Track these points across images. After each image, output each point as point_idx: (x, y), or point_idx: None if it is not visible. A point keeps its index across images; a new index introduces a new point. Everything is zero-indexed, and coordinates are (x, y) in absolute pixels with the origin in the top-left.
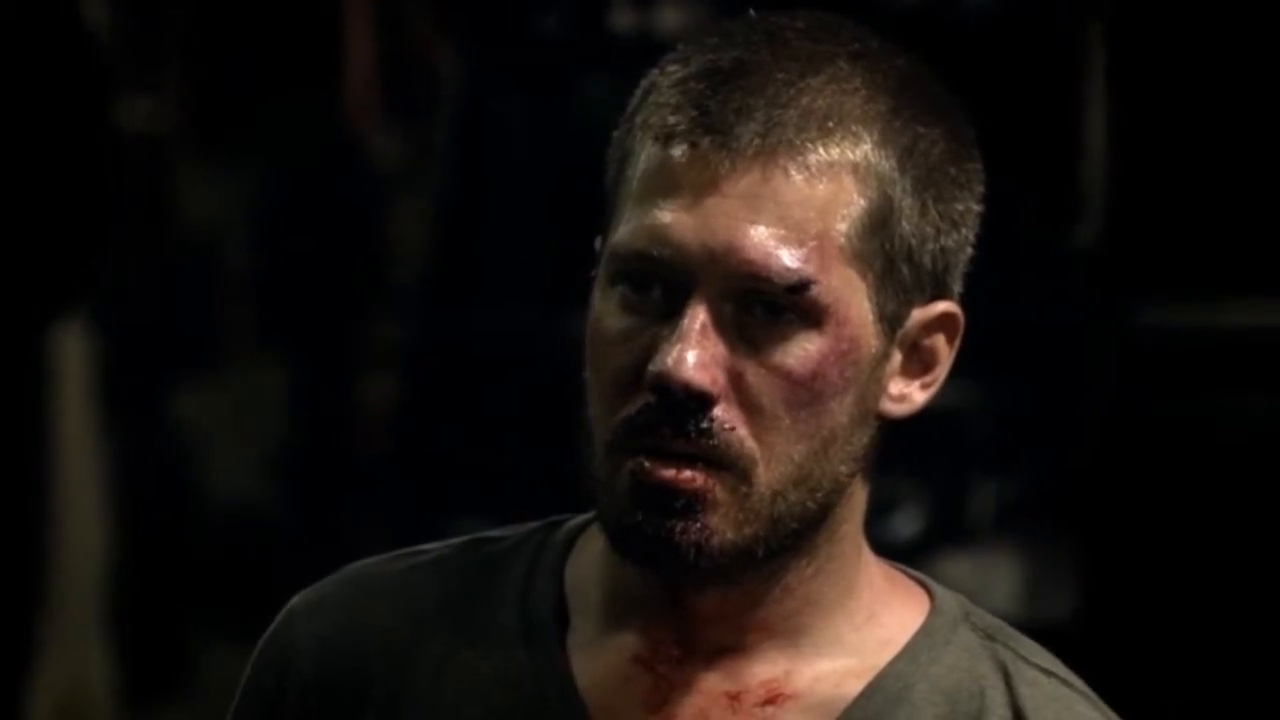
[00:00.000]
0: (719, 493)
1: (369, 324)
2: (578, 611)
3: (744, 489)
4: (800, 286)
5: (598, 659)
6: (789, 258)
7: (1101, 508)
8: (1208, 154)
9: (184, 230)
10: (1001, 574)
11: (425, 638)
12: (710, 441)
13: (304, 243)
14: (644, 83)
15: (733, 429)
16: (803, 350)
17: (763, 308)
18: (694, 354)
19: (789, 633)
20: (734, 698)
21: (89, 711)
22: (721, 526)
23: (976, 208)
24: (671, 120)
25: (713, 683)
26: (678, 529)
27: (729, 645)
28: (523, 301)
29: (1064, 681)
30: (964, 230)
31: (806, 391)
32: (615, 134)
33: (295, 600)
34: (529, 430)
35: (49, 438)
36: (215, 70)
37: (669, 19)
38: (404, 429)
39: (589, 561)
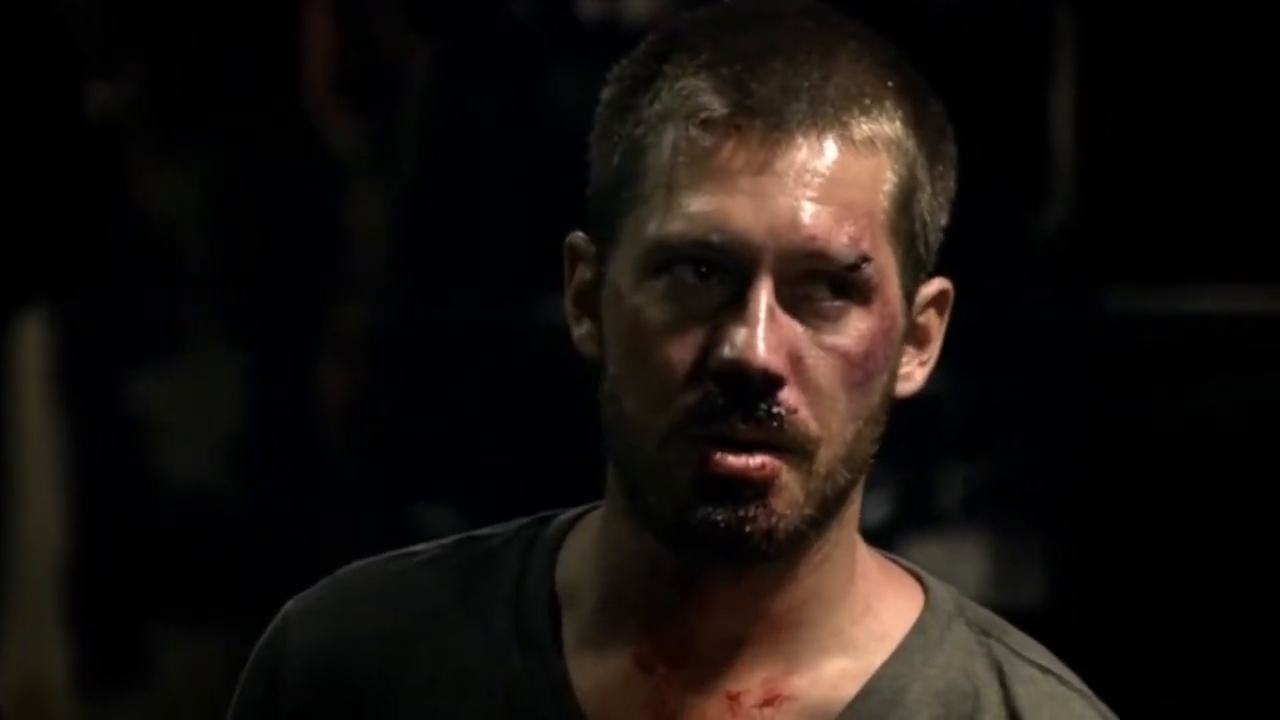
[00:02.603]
0: (784, 475)
1: (329, 312)
2: (571, 610)
3: (806, 468)
4: (859, 263)
5: (596, 662)
6: (847, 234)
7: (1070, 495)
8: (1175, 142)
9: (144, 217)
10: (970, 561)
11: (419, 642)
12: (777, 425)
13: (264, 230)
14: (640, 73)
15: (796, 411)
16: (857, 330)
17: (820, 287)
18: (768, 337)
19: (790, 626)
20: (733, 698)
21: (47, 700)
22: (787, 510)
23: (954, 186)
24: (712, 103)
25: (713, 682)
26: (749, 517)
27: (731, 639)
28: (485, 291)
29: (1060, 679)
30: (950, 207)
31: (860, 371)
32: (610, 128)
33: (288, 605)
34: (491, 419)
35: (6, 426)
36: (175, 57)
37: (637, 8)
38: (365, 417)
39: (581, 557)
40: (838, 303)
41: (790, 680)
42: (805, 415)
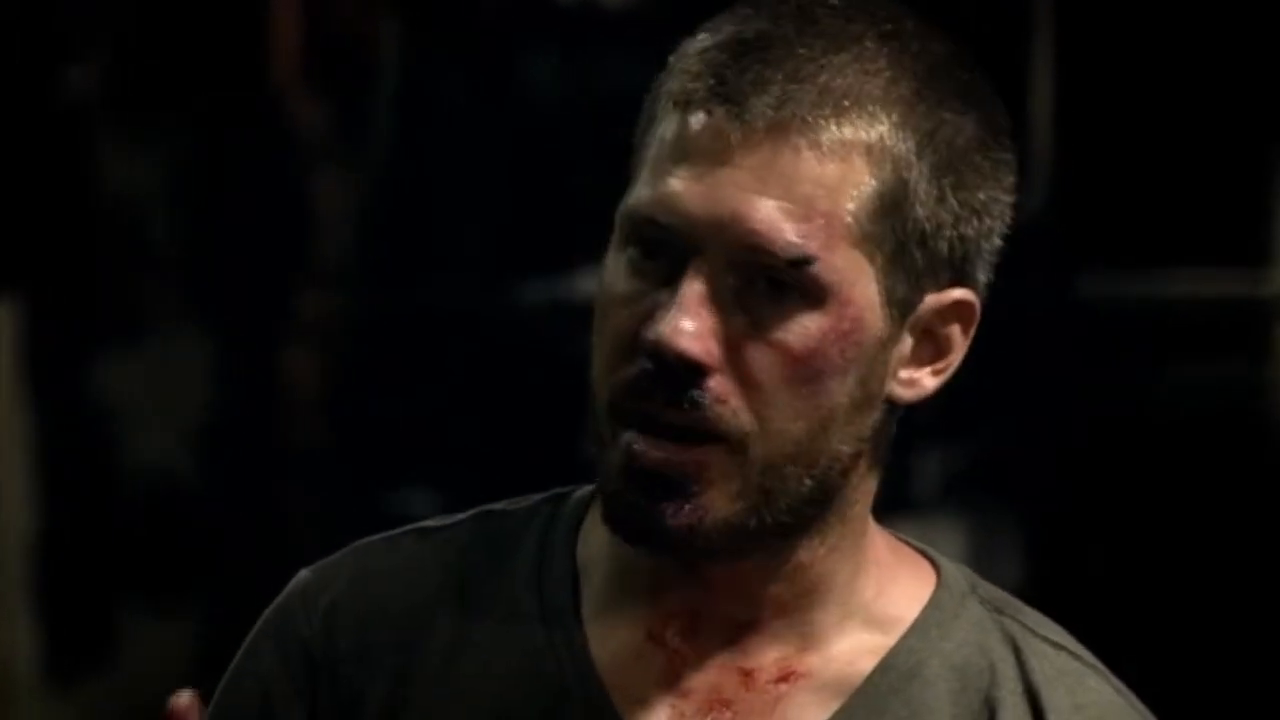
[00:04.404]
0: (713, 469)
1: (297, 297)
2: (590, 585)
3: (739, 458)
4: (802, 261)
5: (612, 635)
6: (793, 232)
7: (1045, 477)
8: (1150, 127)
9: (112, 203)
10: (947, 544)
11: (438, 618)
12: (702, 414)
13: (232, 216)
14: (674, 49)
15: (725, 401)
16: (802, 328)
17: (764, 282)
18: (690, 323)
19: (802, 609)
20: (747, 674)
21: (13, 685)
22: (714, 503)
23: (1005, 198)
24: (690, 87)
25: (726, 658)
26: (669, 511)
27: (741, 619)
28: (454, 275)
29: (1074, 655)
30: (988, 220)
31: (805, 369)
32: (648, 100)
33: (305, 575)
34: (459, 403)
35: None
36: (142, 42)
37: None
38: (333, 402)
39: (599, 532)
40: (782, 299)
41: (804, 657)
42: (736, 406)
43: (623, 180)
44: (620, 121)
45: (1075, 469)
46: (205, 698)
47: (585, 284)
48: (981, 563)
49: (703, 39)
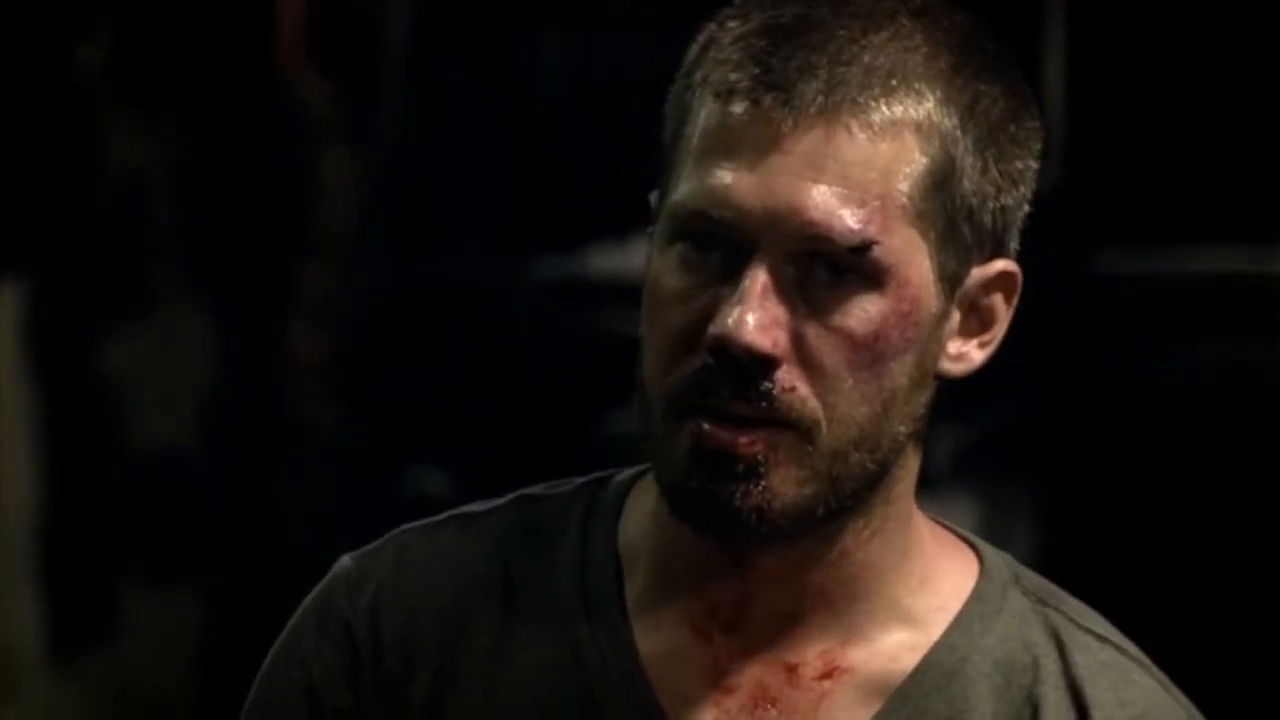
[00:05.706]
0: (781, 452)
1: (302, 275)
2: (632, 574)
3: (807, 447)
4: (863, 247)
5: (656, 629)
6: (851, 218)
7: (1060, 454)
8: (1166, 103)
9: (117, 181)
10: (959, 520)
11: (481, 610)
12: (771, 404)
13: (238, 194)
14: (701, 37)
15: (793, 389)
16: (864, 311)
17: (824, 269)
18: (755, 316)
19: (845, 599)
20: (791, 669)
21: (16, 664)
22: (783, 487)
23: (1035, 164)
24: (733, 77)
25: (770, 653)
26: (738, 493)
27: (785, 610)
28: (459, 253)
29: (1118, 648)
30: (1022, 188)
31: (868, 353)
32: (673, 88)
33: (345, 562)
34: (461, 381)
35: None
36: (147, 19)
37: None
38: (337, 380)
39: (640, 520)
40: (842, 285)
41: (848, 652)
42: (805, 394)
43: (633, 156)
44: (630, 98)
45: (1088, 446)
46: (207, 681)
47: (596, 260)
48: (993, 540)
49: (734, 26)
